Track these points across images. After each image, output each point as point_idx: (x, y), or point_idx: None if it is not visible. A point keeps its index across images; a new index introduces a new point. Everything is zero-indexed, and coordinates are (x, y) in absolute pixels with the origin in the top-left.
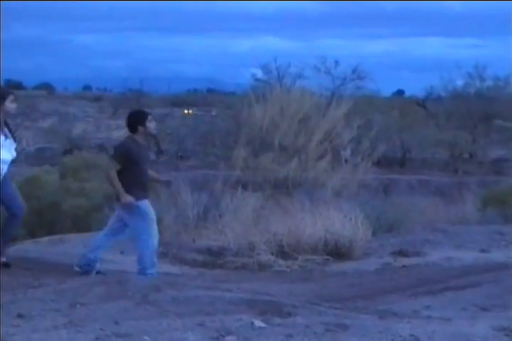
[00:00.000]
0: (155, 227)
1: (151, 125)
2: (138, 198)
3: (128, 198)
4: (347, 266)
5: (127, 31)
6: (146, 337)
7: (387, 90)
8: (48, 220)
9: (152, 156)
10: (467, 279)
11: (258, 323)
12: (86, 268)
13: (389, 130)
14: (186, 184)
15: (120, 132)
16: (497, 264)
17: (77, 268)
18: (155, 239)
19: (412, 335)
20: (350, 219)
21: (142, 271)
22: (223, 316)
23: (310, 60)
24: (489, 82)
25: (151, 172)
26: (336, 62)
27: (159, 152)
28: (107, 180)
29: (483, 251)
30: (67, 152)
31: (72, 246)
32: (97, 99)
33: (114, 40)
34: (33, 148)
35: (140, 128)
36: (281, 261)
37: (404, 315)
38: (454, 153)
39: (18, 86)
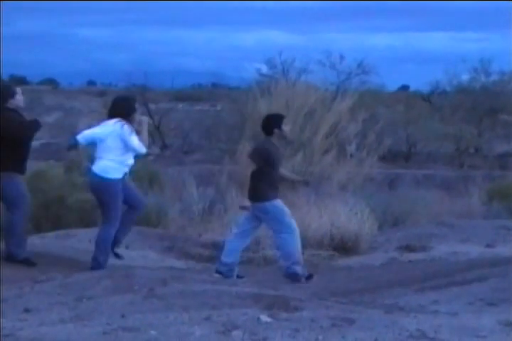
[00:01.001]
0: (294, 222)
1: (287, 128)
2: (273, 198)
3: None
4: (353, 260)
5: (131, 25)
6: (152, 331)
7: (391, 84)
8: (53, 214)
9: (157, 150)
10: (473, 273)
11: (264, 318)
12: (227, 274)
13: (394, 124)
14: (191, 178)
15: None
16: (503, 258)
17: (216, 275)
18: (297, 233)
19: (419, 330)
20: (356, 213)
21: (291, 267)
22: (230, 310)
23: (314, 54)
24: (494, 77)
25: (289, 173)
26: (341, 57)
27: (164, 146)
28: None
29: (489, 245)
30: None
31: (78, 240)
32: (102, 93)
33: (117, 34)
34: (39, 142)
35: (276, 131)
36: None
37: (411, 309)
38: (460, 147)
39: (22, 81)
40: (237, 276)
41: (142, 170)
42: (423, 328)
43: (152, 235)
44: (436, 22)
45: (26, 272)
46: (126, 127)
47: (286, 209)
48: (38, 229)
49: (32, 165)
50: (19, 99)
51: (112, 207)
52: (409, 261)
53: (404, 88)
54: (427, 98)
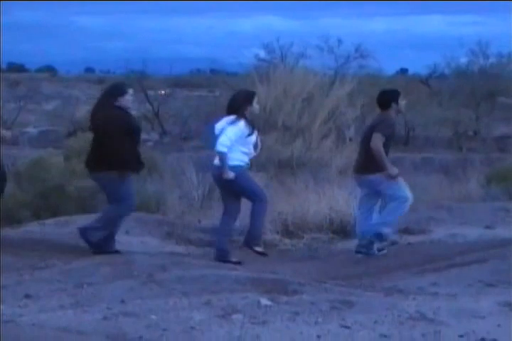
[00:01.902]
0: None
1: (403, 103)
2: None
3: (395, 170)
4: (352, 244)
5: (128, 13)
6: (152, 316)
7: (390, 68)
8: (53, 202)
9: (156, 137)
10: (472, 256)
11: (264, 301)
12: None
13: None
14: (190, 164)
15: None
16: (502, 240)
17: (359, 255)
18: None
19: (418, 312)
20: (355, 197)
21: (383, 229)
22: (229, 295)
23: (312, 39)
24: (492, 59)
25: None
26: (339, 41)
27: (163, 133)
28: (377, 153)
29: (488, 227)
30: (71, 134)
31: (77, 227)
32: (100, 81)
33: (114, 22)
34: (37, 130)
35: (393, 106)
36: (286, 240)
37: (410, 291)
38: (458, 131)
39: (21, 68)
40: (235, 262)
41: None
42: (422, 310)
43: (152, 221)
44: (433, 5)
45: (26, 259)
46: (239, 124)
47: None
48: (38, 216)
49: (30, 153)
50: (128, 100)
51: (252, 189)
52: (409, 244)
53: (403, 71)
54: (425, 81)
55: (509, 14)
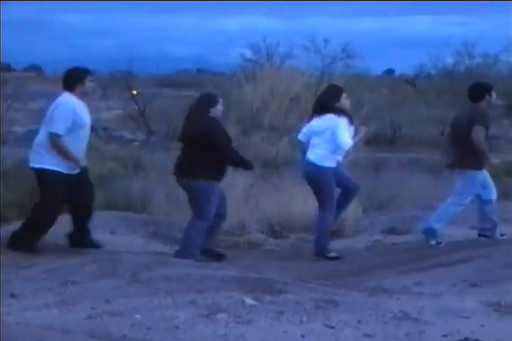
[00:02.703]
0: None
1: (495, 95)
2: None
3: (496, 161)
4: (337, 243)
5: (114, 12)
6: (137, 315)
7: (376, 68)
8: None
9: (142, 136)
10: (457, 255)
11: (249, 301)
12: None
13: (379, 108)
14: None
15: (110, 113)
16: (487, 240)
17: (482, 238)
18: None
19: (402, 311)
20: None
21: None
22: (214, 294)
23: (298, 39)
24: (478, 60)
25: None
26: (326, 41)
27: (149, 132)
28: (480, 146)
29: (473, 227)
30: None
31: (63, 226)
32: None
33: (100, 21)
34: (23, 129)
35: (487, 97)
36: (271, 240)
37: (394, 291)
38: (444, 131)
39: (7, 68)
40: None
41: (127, 156)
42: (406, 310)
43: (137, 220)
44: (420, 6)
45: (10, 258)
46: (343, 121)
47: None
48: (24, 215)
49: (17, 152)
50: (219, 109)
51: (327, 195)
52: (393, 244)
53: (390, 72)
54: (411, 82)
55: (494, 15)
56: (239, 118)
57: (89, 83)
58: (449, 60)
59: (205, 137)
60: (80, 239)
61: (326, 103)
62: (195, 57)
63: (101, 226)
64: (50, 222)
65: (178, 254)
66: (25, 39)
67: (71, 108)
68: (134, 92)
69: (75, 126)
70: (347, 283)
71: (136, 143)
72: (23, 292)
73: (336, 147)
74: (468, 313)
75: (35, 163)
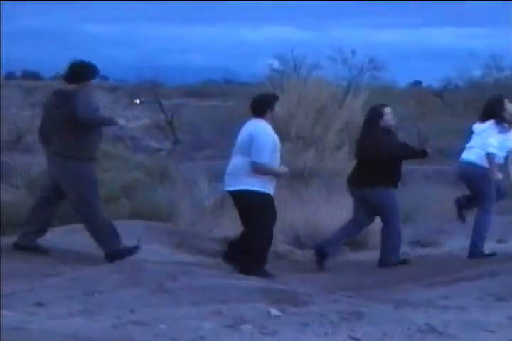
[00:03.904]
0: None
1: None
2: None
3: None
4: (363, 255)
5: (139, 21)
6: (161, 325)
7: (403, 80)
8: (64, 210)
9: (169, 146)
10: (483, 269)
11: (274, 312)
12: None
13: (406, 120)
14: (202, 174)
15: (137, 122)
16: None
17: None
18: None
19: (428, 324)
20: None
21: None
22: (239, 304)
23: (325, 50)
24: (507, 72)
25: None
26: (353, 52)
27: (176, 142)
28: None
29: (499, 241)
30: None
31: (88, 235)
32: (113, 89)
33: (126, 30)
34: None
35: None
36: (297, 251)
37: (420, 304)
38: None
39: (36, 76)
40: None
41: (153, 166)
42: (432, 323)
43: (163, 230)
44: (445, 17)
45: (36, 266)
46: (495, 126)
47: None
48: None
49: (44, 160)
50: (387, 119)
51: (486, 195)
52: (420, 256)
53: (417, 84)
54: (439, 94)
55: None
56: None
57: (278, 108)
58: (477, 72)
59: (375, 150)
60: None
61: (492, 110)
62: (221, 68)
63: (127, 235)
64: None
65: (381, 263)
66: (53, 48)
67: (271, 137)
68: (137, 101)
69: (273, 152)
70: (372, 295)
71: (163, 153)
72: (48, 300)
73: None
74: (493, 327)
75: (235, 186)
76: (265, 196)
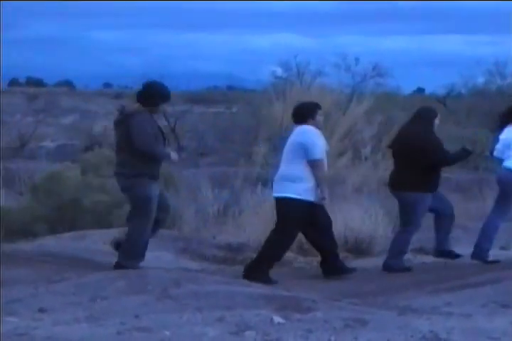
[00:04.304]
0: None
1: None
2: None
3: None
4: (367, 262)
5: (144, 28)
6: (166, 331)
7: (407, 87)
8: (68, 216)
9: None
10: (487, 276)
11: (277, 319)
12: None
13: None
14: (206, 180)
15: None
16: None
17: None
18: None
19: (431, 331)
20: (371, 215)
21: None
22: (243, 311)
23: (329, 57)
24: (510, 79)
25: None
26: (357, 59)
27: (179, 148)
28: None
29: (503, 248)
30: (88, 149)
31: (93, 241)
32: (118, 96)
33: (131, 37)
34: (54, 144)
35: None
36: (301, 258)
37: (424, 311)
38: (475, 151)
39: (39, 83)
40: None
41: None
42: (436, 330)
43: (167, 236)
44: (450, 25)
45: (41, 272)
46: None
47: None
48: (53, 230)
49: (48, 166)
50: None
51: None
52: (423, 263)
53: (420, 91)
54: (442, 101)
55: None
56: (269, 135)
57: (320, 117)
58: (480, 80)
59: (424, 153)
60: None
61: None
62: (226, 74)
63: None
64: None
65: (386, 265)
66: (56, 55)
67: (321, 139)
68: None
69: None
70: (376, 301)
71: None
72: (52, 306)
73: None
74: (498, 334)
75: (280, 193)
76: (305, 205)
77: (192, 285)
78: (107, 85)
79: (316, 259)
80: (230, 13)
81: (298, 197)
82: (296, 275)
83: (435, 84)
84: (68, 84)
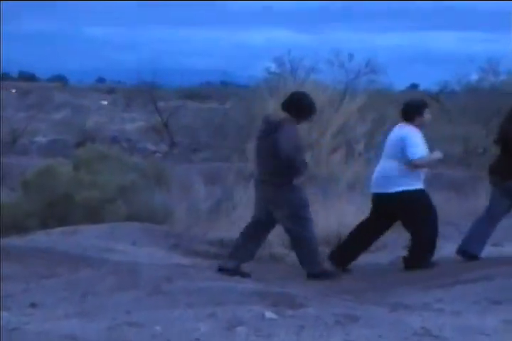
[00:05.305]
0: None
1: None
2: None
3: None
4: (359, 259)
5: (138, 24)
6: (157, 327)
7: (400, 84)
8: (60, 211)
9: (165, 148)
10: (479, 273)
11: (269, 314)
12: None
13: None
14: (199, 176)
15: (134, 125)
16: (509, 258)
17: None
18: None
19: (423, 328)
20: (364, 212)
21: None
22: (235, 307)
23: (322, 53)
24: (503, 77)
25: None
26: (350, 56)
27: (172, 144)
28: None
29: (495, 245)
30: (81, 144)
31: (84, 237)
32: (111, 91)
33: (124, 32)
34: (46, 139)
35: None
36: (293, 254)
37: (416, 307)
38: (468, 148)
39: (32, 78)
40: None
41: (149, 168)
42: (427, 326)
43: (158, 232)
44: (443, 22)
45: (33, 268)
46: None
47: None
48: (45, 225)
49: (40, 162)
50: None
51: None
52: None
53: (414, 87)
54: (435, 97)
55: None
56: None
57: (427, 115)
58: (474, 77)
59: None
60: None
61: None
62: (219, 70)
63: (122, 237)
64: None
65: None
66: (50, 50)
67: (421, 138)
68: (105, 102)
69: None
70: (368, 298)
71: (159, 155)
72: (44, 302)
73: None
74: (489, 331)
75: (388, 189)
76: (418, 192)
77: (184, 281)
78: (100, 80)
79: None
80: (224, 9)
81: (408, 188)
82: (288, 271)
83: (428, 81)
84: (61, 79)
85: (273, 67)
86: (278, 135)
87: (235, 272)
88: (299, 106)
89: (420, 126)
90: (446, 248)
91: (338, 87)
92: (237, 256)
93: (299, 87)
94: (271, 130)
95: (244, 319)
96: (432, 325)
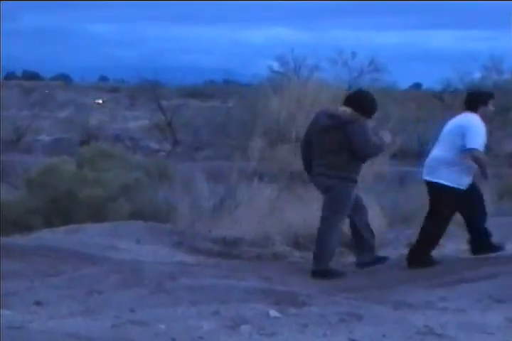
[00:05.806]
0: None
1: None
2: None
3: None
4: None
5: (140, 21)
6: (161, 325)
7: (403, 82)
8: (64, 209)
9: (168, 147)
10: (482, 271)
11: (273, 313)
12: None
13: (405, 122)
14: (202, 174)
15: (137, 123)
16: None
17: None
18: None
19: (426, 326)
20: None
21: None
22: (238, 305)
23: (324, 51)
24: (507, 75)
25: None
26: (353, 54)
27: (175, 142)
28: None
29: (498, 243)
30: (84, 142)
31: (88, 235)
32: (114, 89)
33: (126, 30)
34: (50, 138)
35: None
36: (296, 252)
37: (419, 305)
38: None
39: (35, 76)
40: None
41: (153, 166)
42: (431, 324)
43: (162, 230)
44: (445, 20)
45: (37, 266)
46: None
47: None
48: (49, 223)
49: (44, 160)
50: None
51: None
52: None
53: (417, 86)
54: (438, 96)
55: None
56: (265, 129)
57: (491, 107)
58: (477, 75)
59: None
60: (481, 245)
61: None
62: (222, 69)
63: (126, 235)
64: (442, 234)
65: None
66: (53, 48)
67: (483, 129)
68: (100, 101)
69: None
70: (371, 296)
71: (162, 153)
72: (48, 300)
73: None
74: (492, 329)
75: (432, 177)
76: (457, 191)
77: (187, 279)
78: (103, 78)
79: (311, 253)
80: (227, 7)
81: (450, 184)
82: (291, 270)
83: (432, 80)
84: (64, 77)
85: (275, 65)
86: (353, 133)
87: (373, 263)
88: (366, 106)
89: (483, 117)
90: (448, 246)
91: (341, 85)
92: (369, 249)
93: (302, 85)
94: (339, 125)
95: (248, 317)
96: (436, 323)
